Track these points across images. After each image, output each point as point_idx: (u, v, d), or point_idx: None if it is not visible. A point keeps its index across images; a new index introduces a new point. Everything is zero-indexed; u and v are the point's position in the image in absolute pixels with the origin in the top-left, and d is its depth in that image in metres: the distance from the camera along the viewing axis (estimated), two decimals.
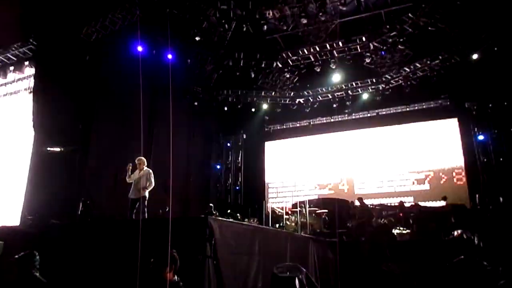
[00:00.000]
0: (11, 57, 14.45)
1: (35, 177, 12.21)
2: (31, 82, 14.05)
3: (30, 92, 13.83)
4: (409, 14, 13.40)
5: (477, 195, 14.92)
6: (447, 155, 17.08)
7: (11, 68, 14.65)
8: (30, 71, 14.33)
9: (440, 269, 7.45)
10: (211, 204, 14.65)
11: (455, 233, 10.36)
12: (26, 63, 14.28)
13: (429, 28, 13.54)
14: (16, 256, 4.54)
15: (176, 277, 4.17)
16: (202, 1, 13.05)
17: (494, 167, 15.43)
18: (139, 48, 14.11)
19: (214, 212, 13.39)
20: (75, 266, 6.33)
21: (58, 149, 12.39)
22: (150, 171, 9.43)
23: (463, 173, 16.62)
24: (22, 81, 14.75)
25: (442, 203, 14.31)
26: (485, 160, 15.79)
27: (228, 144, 21.71)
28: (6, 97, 15.12)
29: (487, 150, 15.85)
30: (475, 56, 14.73)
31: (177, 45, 14.75)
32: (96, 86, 13.17)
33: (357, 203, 14.37)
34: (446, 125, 17.40)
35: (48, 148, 12.28)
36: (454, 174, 16.85)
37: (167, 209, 12.16)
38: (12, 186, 13.27)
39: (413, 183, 17.56)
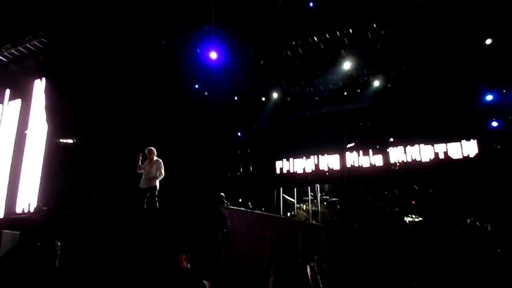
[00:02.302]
0: (23, 50, 14.55)
1: (49, 168, 12.38)
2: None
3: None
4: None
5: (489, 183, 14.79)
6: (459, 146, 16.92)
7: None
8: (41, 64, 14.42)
9: (453, 257, 7.43)
10: (222, 193, 14.71)
11: (468, 220, 10.30)
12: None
13: (440, 14, 13.30)
14: (39, 243, 4.57)
15: (189, 265, 4.21)
16: None
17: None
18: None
19: (226, 201, 13.45)
20: (89, 255, 6.43)
21: (70, 141, 12.54)
22: (160, 161, 9.48)
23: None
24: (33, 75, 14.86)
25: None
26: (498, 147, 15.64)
27: (239, 133, 21.73)
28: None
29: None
30: (488, 41, 14.51)
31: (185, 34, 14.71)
32: (108, 77, 13.23)
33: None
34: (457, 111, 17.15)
35: (61, 140, 12.42)
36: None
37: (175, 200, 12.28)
38: (27, 177, 13.48)
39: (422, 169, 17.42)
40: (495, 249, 6.27)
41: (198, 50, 15.52)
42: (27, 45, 14.27)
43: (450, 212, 12.55)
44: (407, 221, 12.14)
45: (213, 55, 15.10)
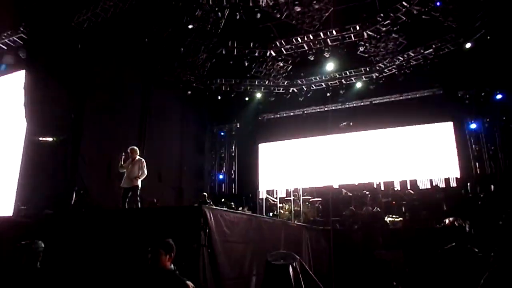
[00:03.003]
0: (2, 46, 14.25)
1: (28, 167, 12.12)
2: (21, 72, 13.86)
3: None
4: (403, 2, 13.37)
5: (468, 184, 15.10)
6: (439, 144, 17.15)
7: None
8: (21, 60, 14.14)
9: (432, 256, 7.57)
10: (204, 193, 14.67)
11: (447, 220, 10.52)
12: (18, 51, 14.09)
13: (423, 17, 13.52)
14: (23, 243, 4.47)
15: (172, 265, 4.19)
16: None
17: (486, 156, 15.58)
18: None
19: (208, 201, 13.43)
20: (70, 256, 6.34)
21: (50, 139, 12.30)
22: (143, 160, 9.43)
23: (456, 162, 16.72)
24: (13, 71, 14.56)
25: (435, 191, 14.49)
26: (477, 148, 15.93)
27: (222, 133, 21.73)
28: None
29: (479, 139, 15.98)
30: (468, 45, 14.75)
31: (170, 33, 14.60)
32: (88, 76, 13.04)
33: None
34: (439, 114, 17.43)
35: (40, 138, 12.18)
36: (447, 161, 16.94)
37: (157, 200, 12.20)
38: (5, 176, 13.18)
39: (405, 170, 17.62)
40: (473, 249, 6.39)
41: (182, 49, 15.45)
42: (6, 40, 14.00)
43: (430, 211, 12.80)
44: (388, 221, 12.33)
45: None
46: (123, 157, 9.39)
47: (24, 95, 12.77)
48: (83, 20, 13.02)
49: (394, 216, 12.82)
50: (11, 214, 10.85)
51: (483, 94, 15.95)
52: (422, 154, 17.34)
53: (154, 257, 4.06)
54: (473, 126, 16.21)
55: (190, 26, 14.11)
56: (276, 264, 5.74)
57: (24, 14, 12.81)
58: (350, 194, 14.84)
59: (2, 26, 13.50)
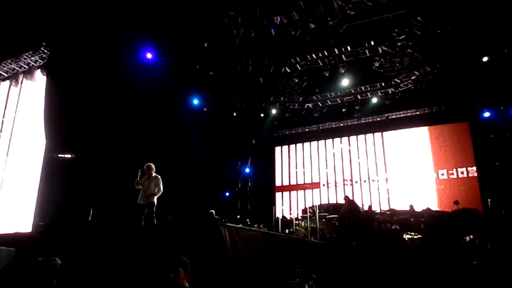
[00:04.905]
0: (23, 65, 14.67)
1: (46, 183, 12.33)
2: (42, 90, 14.21)
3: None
4: (418, 18, 13.33)
5: (489, 200, 14.73)
6: (459, 159, 16.90)
7: (22, 76, 14.88)
8: (41, 79, 14.52)
9: (452, 275, 7.36)
10: (211, 211, 14.55)
11: (467, 238, 10.24)
12: (38, 71, 14.50)
13: (438, 31, 13.45)
14: (40, 259, 4.48)
15: (187, 284, 4.16)
16: (210, 7, 13.12)
17: (506, 172, 15.23)
18: (149, 55, 14.26)
19: (216, 217, 13.32)
20: (86, 272, 6.35)
21: (69, 156, 12.51)
22: (159, 177, 9.44)
23: (475, 178, 16.42)
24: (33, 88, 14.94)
25: (454, 207, 14.15)
26: (497, 164, 15.60)
27: (238, 150, 21.73)
28: (19, 104, 15.31)
29: (500, 154, 15.66)
30: (485, 59, 14.59)
31: (185, 51, 14.83)
32: (106, 93, 13.28)
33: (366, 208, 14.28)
34: (457, 128, 17.24)
35: (59, 155, 12.39)
36: (466, 178, 16.65)
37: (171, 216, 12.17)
38: (24, 193, 13.41)
39: (424, 187, 17.38)
40: (495, 267, 6.21)
41: (198, 67, 15.64)
42: (28, 60, 14.40)
43: (449, 229, 12.49)
44: (406, 238, 12.07)
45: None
46: (139, 173, 9.43)
47: (43, 113, 13.07)
48: (101, 40, 13.34)
49: (412, 233, 12.54)
50: (29, 230, 10.99)
51: (502, 108, 15.68)
52: (438, 167, 17.11)
53: (174, 275, 4.05)
54: (492, 141, 15.90)
55: (205, 44, 14.29)
56: (292, 283, 5.65)
57: (44, 33, 13.17)
58: (366, 210, 14.61)
59: (24, 46, 13.90)
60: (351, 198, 15.33)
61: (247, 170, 20.87)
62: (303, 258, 8.13)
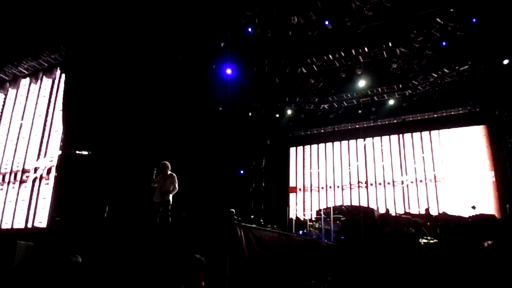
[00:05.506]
0: (43, 62, 14.90)
1: (63, 180, 12.49)
2: (61, 87, 14.43)
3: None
4: (437, 19, 13.15)
5: (507, 205, 14.44)
6: (477, 163, 16.61)
7: (42, 73, 15.13)
8: (61, 76, 14.75)
9: (469, 280, 7.23)
10: (232, 210, 14.58)
11: (485, 244, 10.04)
12: (57, 69, 14.72)
13: (458, 33, 13.25)
14: (62, 255, 4.52)
15: (203, 283, 4.15)
16: (227, 7, 13.13)
17: None
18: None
19: (236, 217, 13.34)
20: (102, 269, 6.40)
21: (85, 153, 12.65)
22: (174, 175, 9.47)
23: (493, 182, 16.11)
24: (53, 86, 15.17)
25: (471, 212, 13.90)
26: None
27: (252, 149, 21.70)
28: (38, 101, 15.56)
29: None
30: (505, 62, 14.30)
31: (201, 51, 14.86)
32: (122, 90, 13.39)
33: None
34: (475, 132, 16.94)
35: (77, 152, 12.54)
36: (483, 182, 16.36)
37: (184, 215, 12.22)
38: (41, 188, 13.62)
39: (441, 191, 17.13)
40: None
41: (214, 66, 15.65)
42: (48, 58, 14.62)
43: (466, 234, 12.27)
44: (422, 243, 11.90)
45: (229, 71, 15.09)
46: (155, 172, 9.48)
47: (62, 110, 13.26)
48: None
49: (429, 237, 12.36)
50: (46, 226, 11.15)
51: None
52: (456, 170, 16.87)
53: (195, 273, 4.04)
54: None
55: (221, 44, 14.31)
56: (307, 284, 5.62)
57: (64, 31, 13.33)
58: (382, 213, 14.45)
59: (44, 45, 14.10)
60: (366, 200, 15.21)
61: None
62: (317, 260, 8.08)
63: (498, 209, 15.17)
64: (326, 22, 13.39)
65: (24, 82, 16.06)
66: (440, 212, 14.87)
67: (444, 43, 13.85)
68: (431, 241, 11.97)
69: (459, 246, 11.20)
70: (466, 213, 14.81)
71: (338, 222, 13.93)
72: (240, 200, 20.55)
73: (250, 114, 18.97)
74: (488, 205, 15.41)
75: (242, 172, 20.84)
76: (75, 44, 13.63)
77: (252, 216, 15.52)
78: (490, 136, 16.50)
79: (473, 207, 13.91)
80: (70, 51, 13.98)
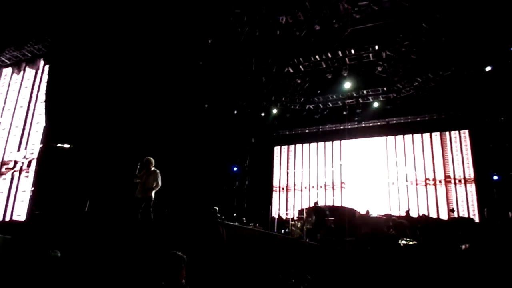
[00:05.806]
0: (26, 53, 14.60)
1: (43, 173, 12.29)
2: (44, 79, 14.16)
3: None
4: (423, 24, 13.34)
5: (485, 209, 14.77)
6: (457, 167, 16.92)
7: (25, 64, 14.82)
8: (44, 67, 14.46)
9: (446, 282, 7.37)
10: (215, 207, 14.59)
11: (463, 246, 10.25)
12: (41, 60, 14.44)
13: (443, 39, 13.46)
14: (40, 250, 4.45)
15: (184, 281, 4.14)
16: (215, 4, 13.08)
17: (505, 181, 15.26)
18: None
19: (218, 215, 13.35)
20: (81, 264, 6.33)
21: (67, 146, 12.47)
22: (158, 171, 9.41)
23: (473, 186, 16.44)
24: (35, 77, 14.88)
25: (450, 215, 14.18)
26: (494, 173, 15.62)
27: (237, 147, 21.69)
28: (20, 92, 15.26)
29: (499, 163, 15.67)
30: (488, 68, 14.60)
31: (190, 48, 14.77)
32: (106, 84, 13.24)
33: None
34: (457, 137, 17.26)
35: (58, 145, 12.35)
36: (463, 186, 16.68)
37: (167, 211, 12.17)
38: (21, 180, 13.36)
39: (421, 193, 17.40)
40: (489, 276, 6.21)
41: (201, 63, 15.59)
42: (31, 48, 14.34)
43: (445, 237, 12.51)
44: (401, 244, 12.07)
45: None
46: (138, 167, 9.41)
47: (44, 101, 13.04)
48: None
49: (408, 239, 12.54)
50: (24, 219, 10.96)
51: (502, 118, 15.69)
52: (437, 174, 17.13)
53: (177, 271, 4.03)
54: (491, 150, 15.92)
55: (209, 41, 14.24)
56: (288, 283, 5.64)
57: (48, 22, 13.09)
58: (363, 214, 14.60)
59: (27, 35, 13.82)
60: (347, 201, 15.34)
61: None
62: (298, 259, 8.13)
63: (478, 212, 15.48)
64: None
65: (6, 71, 15.71)
66: (420, 214, 15.11)
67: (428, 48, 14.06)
68: (410, 243, 12.15)
69: (438, 248, 11.40)
70: (445, 216, 15.12)
71: (317, 221, 14.03)
72: (223, 197, 20.55)
73: (235, 112, 18.96)
74: (468, 208, 15.72)
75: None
76: (60, 35, 13.40)
77: (235, 214, 15.55)
78: (472, 140, 16.85)
79: (452, 210, 14.20)
80: (55, 42, 13.72)
